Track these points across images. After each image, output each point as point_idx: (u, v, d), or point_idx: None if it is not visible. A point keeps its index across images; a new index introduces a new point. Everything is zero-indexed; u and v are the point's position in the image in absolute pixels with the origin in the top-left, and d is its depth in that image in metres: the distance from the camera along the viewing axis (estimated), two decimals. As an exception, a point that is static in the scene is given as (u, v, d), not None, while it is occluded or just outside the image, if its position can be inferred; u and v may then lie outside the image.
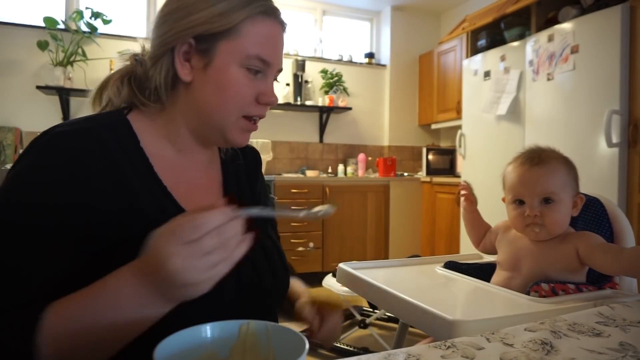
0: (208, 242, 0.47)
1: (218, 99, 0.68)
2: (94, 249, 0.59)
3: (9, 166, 3.04)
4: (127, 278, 0.50)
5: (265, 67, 0.69)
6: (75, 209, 0.58)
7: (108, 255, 0.58)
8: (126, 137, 0.67)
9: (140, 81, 0.71)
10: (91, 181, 0.60)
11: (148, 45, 0.72)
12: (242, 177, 0.84)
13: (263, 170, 0.95)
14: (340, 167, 4.29)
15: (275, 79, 0.74)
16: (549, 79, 2.63)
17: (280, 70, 0.74)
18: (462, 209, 1.20)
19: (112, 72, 0.74)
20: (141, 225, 0.57)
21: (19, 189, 0.59)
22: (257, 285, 0.71)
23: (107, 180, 0.62)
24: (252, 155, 0.90)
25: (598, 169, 2.33)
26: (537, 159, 0.98)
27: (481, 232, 1.17)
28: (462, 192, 1.18)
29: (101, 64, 3.55)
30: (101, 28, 3.49)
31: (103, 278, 0.51)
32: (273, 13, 0.70)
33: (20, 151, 3.41)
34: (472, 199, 1.18)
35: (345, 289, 2.28)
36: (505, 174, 1.04)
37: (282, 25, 0.72)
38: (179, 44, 0.67)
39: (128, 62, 0.73)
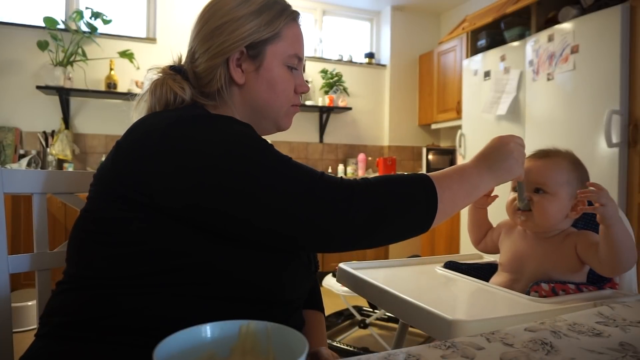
0: (523, 144, 0.84)
1: (270, 95, 0.80)
2: None
3: (8, 166, 3.04)
4: (471, 162, 0.79)
5: (298, 63, 0.83)
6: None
7: None
8: None
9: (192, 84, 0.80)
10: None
11: (184, 56, 0.83)
12: None
13: None
14: (340, 167, 4.29)
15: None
16: (549, 79, 2.63)
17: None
18: (475, 204, 1.11)
19: (157, 78, 0.79)
20: None
21: (247, 144, 0.66)
22: (307, 268, 0.83)
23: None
24: None
25: (598, 169, 2.33)
26: (542, 153, 1.00)
27: (483, 231, 1.16)
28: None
29: (101, 64, 3.55)
30: (101, 28, 3.49)
31: (463, 165, 0.78)
32: (299, 17, 0.85)
33: (21, 151, 3.39)
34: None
35: (345, 289, 2.28)
36: None
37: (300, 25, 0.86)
38: (233, 53, 0.77)
39: (161, 74, 0.80)
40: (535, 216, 0.96)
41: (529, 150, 0.94)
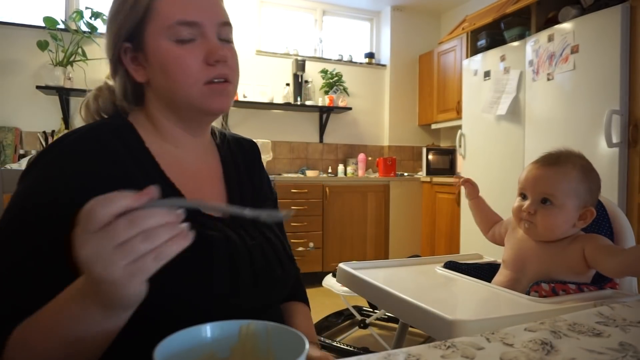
0: (120, 229, 0.41)
1: (168, 80, 0.68)
2: None
3: (9, 166, 3.04)
4: (72, 289, 0.48)
5: (196, 29, 0.67)
6: None
7: None
8: (131, 139, 0.69)
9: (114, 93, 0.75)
10: (102, 187, 0.60)
11: None
12: (241, 170, 0.84)
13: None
14: (340, 167, 4.28)
15: (227, 38, 0.72)
16: (549, 79, 2.63)
17: (225, 23, 0.71)
18: (466, 197, 1.21)
19: (91, 92, 0.77)
20: None
21: (30, 199, 0.60)
22: (269, 274, 0.73)
23: (118, 185, 0.61)
24: (250, 148, 0.91)
25: (598, 169, 2.31)
26: (552, 160, 0.98)
27: (489, 221, 1.16)
28: (462, 183, 1.19)
29: (101, 64, 3.54)
30: (101, 28, 3.48)
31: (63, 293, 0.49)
32: None
33: (21, 151, 3.40)
34: (472, 184, 1.19)
35: (345, 289, 2.28)
36: (524, 167, 1.04)
37: None
38: (122, 53, 0.70)
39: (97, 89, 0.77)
40: (539, 228, 0.95)
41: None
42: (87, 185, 0.60)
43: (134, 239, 0.42)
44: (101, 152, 0.64)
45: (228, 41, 0.72)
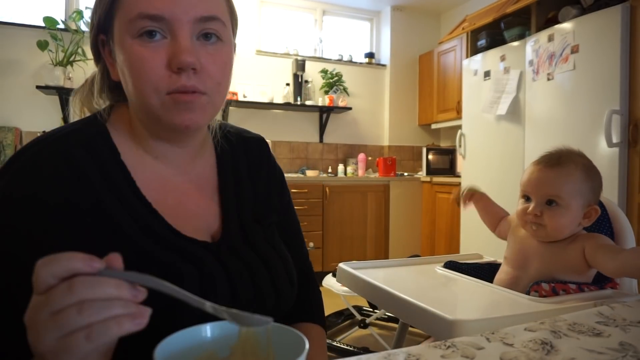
0: (57, 295, 0.35)
1: (131, 83, 0.58)
2: None
3: (9, 166, 3.05)
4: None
5: (164, 24, 0.56)
6: (51, 241, 0.53)
7: None
8: (105, 151, 0.61)
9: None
10: (65, 212, 0.55)
11: None
12: (243, 174, 0.75)
13: None
14: (340, 167, 4.28)
15: (216, 35, 0.60)
16: (549, 79, 2.63)
17: (207, 18, 0.59)
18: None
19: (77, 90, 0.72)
20: (125, 251, 0.54)
21: None
22: (258, 306, 0.64)
23: (84, 207, 0.56)
24: (257, 146, 0.80)
25: (598, 169, 2.33)
26: (554, 161, 0.98)
27: (495, 219, 1.16)
28: (466, 200, 1.17)
29: (101, 64, 3.55)
30: (101, 28, 3.49)
31: None
32: None
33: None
34: (476, 196, 1.17)
35: (345, 288, 2.28)
36: (526, 169, 1.04)
37: None
38: (100, 47, 0.64)
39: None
40: (548, 229, 0.95)
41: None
42: (43, 213, 0.54)
43: (68, 309, 0.35)
44: (63, 175, 0.56)
45: (216, 39, 0.61)
